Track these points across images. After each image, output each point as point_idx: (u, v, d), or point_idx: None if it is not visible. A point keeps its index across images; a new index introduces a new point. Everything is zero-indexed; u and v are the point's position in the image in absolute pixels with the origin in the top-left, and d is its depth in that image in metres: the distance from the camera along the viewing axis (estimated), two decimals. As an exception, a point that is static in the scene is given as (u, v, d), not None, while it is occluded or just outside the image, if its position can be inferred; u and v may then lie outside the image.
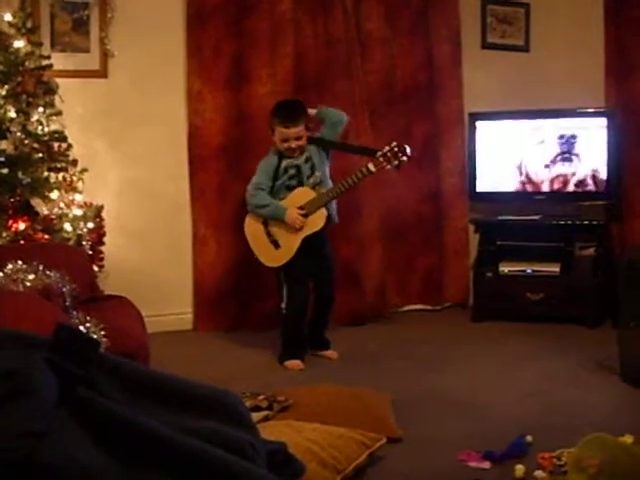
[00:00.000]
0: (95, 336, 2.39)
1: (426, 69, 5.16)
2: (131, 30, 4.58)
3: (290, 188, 3.99)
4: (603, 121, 4.72)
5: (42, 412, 1.35)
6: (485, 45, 5.23)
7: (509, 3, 5.19)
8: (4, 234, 3.75)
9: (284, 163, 3.98)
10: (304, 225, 3.92)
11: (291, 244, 3.95)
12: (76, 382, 1.43)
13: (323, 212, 3.94)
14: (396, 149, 3.84)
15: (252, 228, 4.05)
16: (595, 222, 4.69)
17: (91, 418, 1.39)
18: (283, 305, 4.04)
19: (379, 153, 3.86)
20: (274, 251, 3.99)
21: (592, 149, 4.75)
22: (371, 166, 3.88)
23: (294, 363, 3.99)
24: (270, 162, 4.01)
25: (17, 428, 1.32)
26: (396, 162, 3.85)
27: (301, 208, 3.93)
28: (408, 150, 3.86)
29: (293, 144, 3.93)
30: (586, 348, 4.11)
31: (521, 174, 4.94)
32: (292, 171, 3.98)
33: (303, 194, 3.95)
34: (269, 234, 4.00)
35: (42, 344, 1.48)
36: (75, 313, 2.55)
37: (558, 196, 4.86)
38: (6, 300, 2.39)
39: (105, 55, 4.54)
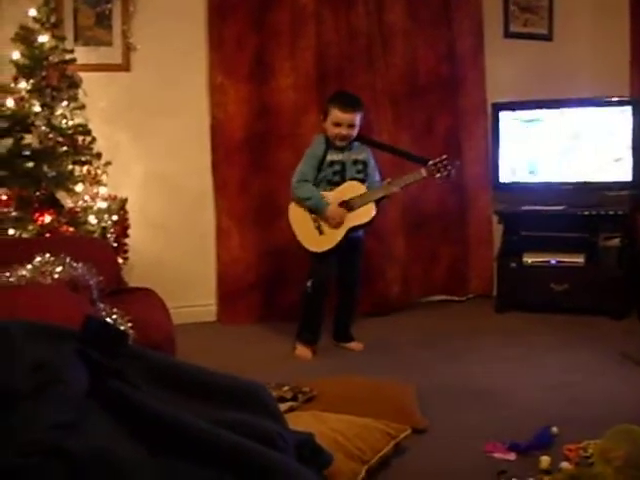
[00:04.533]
0: (122, 328, 2.41)
1: (448, 60, 5.14)
2: (153, 23, 4.60)
3: (332, 183, 4.00)
4: (628, 110, 4.67)
5: (72, 403, 1.37)
6: (508, 34, 5.20)
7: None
8: (30, 227, 3.79)
9: (330, 157, 4.00)
10: (345, 220, 3.94)
11: (335, 233, 3.97)
12: (106, 374, 1.44)
13: (371, 207, 3.96)
14: (445, 161, 4.00)
15: (297, 214, 4.05)
16: (620, 212, 4.65)
17: (121, 409, 1.40)
18: (309, 283, 4.05)
19: (431, 162, 3.99)
20: (318, 236, 4.01)
21: (617, 138, 4.71)
22: (423, 172, 4.00)
23: (304, 351, 4.02)
24: (316, 153, 4.01)
25: (48, 419, 1.34)
26: (445, 173, 4.00)
27: (348, 201, 3.95)
28: (457, 164, 4.09)
29: (344, 130, 3.94)
30: (611, 339, 4.08)
31: (545, 164, 4.90)
32: (337, 167, 4.00)
33: (353, 188, 3.98)
34: (315, 220, 4.02)
35: (71, 336, 1.49)
36: (102, 305, 2.57)
37: (582, 186, 4.82)
38: (35, 292, 2.41)
39: (127, 48, 4.56)
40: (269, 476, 1.39)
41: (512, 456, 2.64)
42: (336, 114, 3.94)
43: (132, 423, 1.38)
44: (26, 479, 1.27)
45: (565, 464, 2.53)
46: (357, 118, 3.96)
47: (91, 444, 1.30)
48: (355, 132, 3.99)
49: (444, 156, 4.02)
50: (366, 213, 3.96)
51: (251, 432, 1.46)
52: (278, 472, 1.39)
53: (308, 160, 4.02)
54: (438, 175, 3.99)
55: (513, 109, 4.96)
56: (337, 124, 3.94)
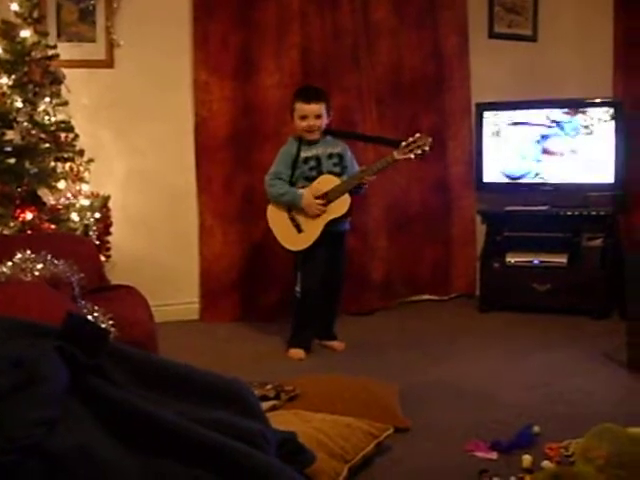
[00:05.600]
0: (103, 325, 2.40)
1: (433, 60, 5.14)
2: (137, 20, 4.58)
3: (309, 179, 3.99)
4: (611, 112, 4.69)
5: (53, 400, 1.35)
6: (492, 34, 5.21)
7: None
8: (11, 224, 3.76)
9: (303, 153, 4.00)
10: (323, 212, 3.94)
11: (313, 228, 3.97)
12: (86, 371, 1.43)
13: (347, 198, 3.95)
14: (420, 140, 3.91)
15: (275, 214, 4.06)
16: (603, 213, 4.68)
17: (102, 407, 1.39)
18: (297, 289, 4.03)
19: (403, 143, 3.92)
20: (296, 235, 4.01)
21: (600, 140, 4.73)
22: (395, 154, 3.93)
23: (296, 352, 4.01)
24: (289, 151, 4.02)
25: (27, 417, 1.32)
26: (419, 151, 3.91)
27: (325, 195, 3.94)
28: (430, 140, 3.93)
29: (311, 121, 3.95)
30: (593, 339, 4.10)
31: (528, 165, 4.92)
32: (312, 162, 4.00)
33: (327, 181, 3.97)
34: (293, 219, 4.01)
35: (52, 333, 1.48)
36: (83, 302, 2.55)
37: (565, 187, 4.84)
38: (15, 289, 2.39)
39: (111, 45, 4.54)
40: (251, 476, 1.38)
41: (494, 455, 2.64)
42: (301, 107, 3.96)
43: (112, 421, 1.37)
44: (4, 477, 1.26)
45: (546, 463, 2.54)
46: (322, 108, 3.97)
47: (71, 442, 1.29)
48: (323, 123, 3.99)
49: (417, 135, 3.93)
50: (342, 205, 3.95)
51: (233, 431, 1.45)
52: (261, 471, 1.38)
53: (281, 158, 4.04)
54: (412, 155, 3.92)
55: (497, 109, 4.97)
56: (303, 117, 3.96)
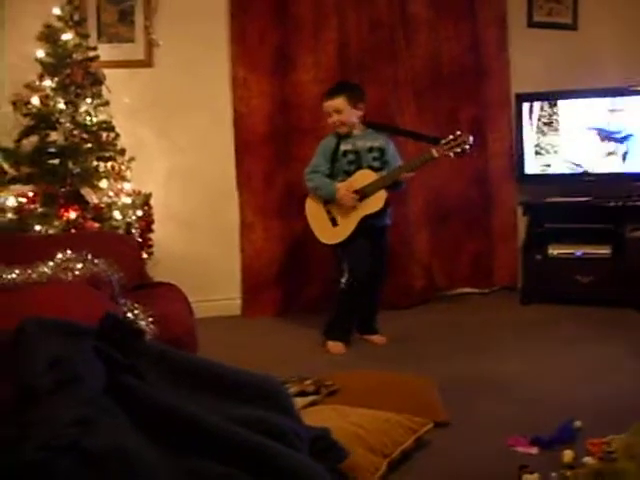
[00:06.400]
0: (143, 323, 2.44)
1: (472, 51, 5.10)
2: (175, 19, 4.63)
3: (349, 173, 4.00)
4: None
5: (89, 399, 1.38)
6: (531, 24, 5.14)
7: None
8: (56, 223, 3.83)
9: (343, 146, 4.01)
10: (359, 206, 3.93)
11: (348, 223, 3.97)
12: (121, 370, 1.46)
13: (382, 194, 3.94)
14: (460, 138, 3.86)
15: (312, 208, 4.09)
16: (646, 203, 4.60)
17: (136, 406, 1.41)
18: (343, 280, 4.01)
19: (443, 141, 3.88)
20: (332, 229, 4.02)
21: (642, 128, 4.65)
22: (434, 152, 3.89)
23: (337, 346, 3.99)
24: (328, 144, 4.04)
25: (65, 416, 1.35)
26: (459, 150, 3.87)
27: (361, 190, 3.93)
28: (471, 139, 3.88)
29: (334, 117, 3.97)
30: (637, 332, 4.04)
31: (570, 155, 4.86)
32: (351, 156, 4.01)
33: (364, 176, 3.97)
34: (329, 212, 4.03)
35: (89, 333, 1.51)
36: (123, 301, 2.60)
37: (608, 177, 4.77)
38: (56, 290, 2.44)
39: (150, 45, 4.60)
40: (282, 473, 1.40)
41: (534, 450, 2.62)
42: (323, 104, 4.03)
43: (146, 420, 1.39)
44: (43, 475, 1.30)
45: (588, 459, 2.49)
46: (341, 103, 3.96)
47: (107, 441, 1.32)
48: (346, 117, 3.97)
49: (458, 132, 3.89)
50: (377, 201, 3.95)
51: (266, 429, 1.46)
52: (292, 470, 1.40)
53: (320, 152, 4.06)
54: (451, 153, 3.87)
55: (538, 99, 4.91)
56: (328, 114, 3.99)
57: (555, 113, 4.88)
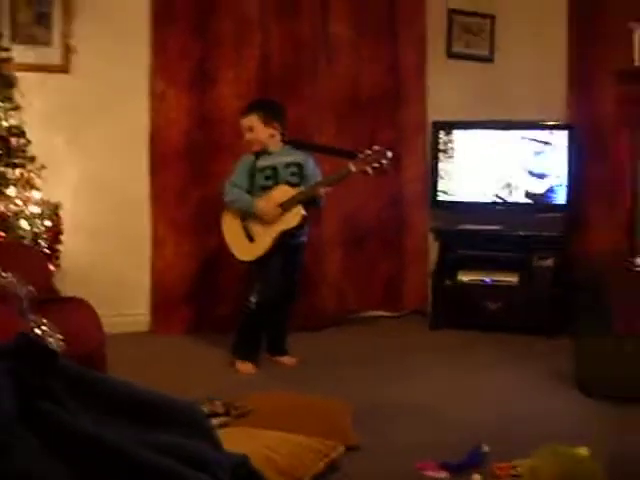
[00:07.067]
0: (51, 339, 2.34)
1: (391, 75, 5.17)
2: (95, 26, 4.52)
3: (266, 189, 3.97)
4: (564, 134, 4.76)
5: (-2, 424, 1.30)
6: (450, 54, 5.25)
7: (474, 14, 5.21)
8: (-42, 230, 3.67)
9: (260, 162, 3.98)
10: (276, 221, 3.90)
11: (265, 238, 3.94)
12: (34, 393, 1.38)
13: (299, 211, 3.92)
14: (377, 153, 3.84)
15: (228, 223, 4.05)
16: (554, 233, 4.73)
17: (50, 430, 1.34)
18: (252, 299, 3.97)
19: (360, 155, 3.85)
20: (248, 244, 3.98)
21: (553, 161, 4.80)
22: (352, 167, 3.86)
23: (247, 367, 3.96)
24: (247, 160, 4.02)
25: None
26: (376, 165, 3.84)
27: (280, 205, 3.91)
28: (389, 154, 3.86)
29: (246, 136, 3.97)
30: (544, 358, 4.13)
31: (482, 184, 4.97)
32: (268, 172, 3.98)
33: (282, 192, 3.95)
34: (245, 229, 3.99)
35: (2, 352, 1.42)
36: (31, 316, 2.49)
37: (518, 207, 4.90)
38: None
39: (67, 50, 4.47)
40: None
41: (444, 474, 2.65)
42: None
43: (60, 445, 1.32)
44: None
45: (495, 483, 2.55)
46: (253, 120, 3.97)
47: (17, 466, 1.24)
48: (259, 135, 3.98)
49: (375, 147, 3.86)
50: (294, 216, 3.93)
51: (185, 455, 1.41)
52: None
53: (239, 168, 4.04)
54: (369, 169, 3.83)
55: (453, 128, 5.01)
56: (243, 132, 4.01)
57: (470, 142, 4.98)
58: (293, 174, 4.01)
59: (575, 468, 2.47)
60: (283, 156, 4.03)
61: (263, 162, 3.99)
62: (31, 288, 2.60)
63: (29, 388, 1.37)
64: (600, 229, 4.78)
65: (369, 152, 3.86)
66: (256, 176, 3.99)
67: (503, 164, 4.91)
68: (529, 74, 5.05)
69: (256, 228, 3.97)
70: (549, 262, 4.71)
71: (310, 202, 3.96)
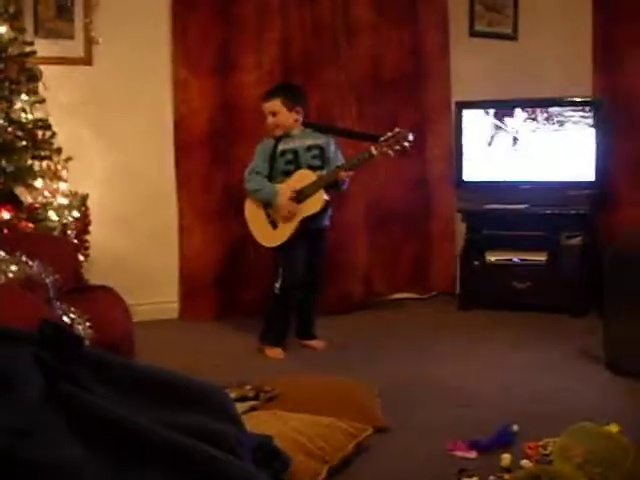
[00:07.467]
0: (79, 327, 2.37)
1: (413, 56, 5.13)
2: (116, 17, 4.54)
3: (287, 173, 3.96)
4: (590, 110, 4.70)
5: (24, 408, 1.33)
6: (473, 33, 5.20)
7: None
8: (-12, 223, 3.72)
9: (281, 146, 3.97)
10: (294, 214, 3.90)
11: (288, 225, 3.94)
12: (60, 378, 1.41)
13: (321, 195, 3.90)
14: (399, 135, 3.82)
15: (251, 210, 4.05)
16: (582, 211, 4.68)
17: (75, 414, 1.36)
18: (277, 285, 3.99)
19: (382, 139, 3.83)
20: (272, 231, 3.99)
21: (579, 138, 4.74)
22: (373, 150, 3.84)
23: (275, 352, 3.97)
24: (266, 146, 4.01)
25: (-2, 424, 1.30)
26: (398, 147, 3.82)
27: (300, 191, 3.90)
28: (410, 136, 3.84)
29: (268, 119, 3.96)
30: (572, 337, 4.11)
31: (508, 163, 4.93)
32: (289, 156, 3.96)
33: (303, 176, 3.93)
34: (268, 215, 3.99)
35: (24, 339, 1.45)
36: (58, 304, 2.52)
37: (545, 185, 4.85)
38: (-12, 292, 2.36)
39: (90, 42, 4.49)
40: (224, 481, 1.37)
41: (473, 454, 2.64)
42: (262, 107, 4.01)
43: (86, 428, 1.35)
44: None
45: (525, 462, 2.54)
46: (275, 105, 3.95)
47: (42, 450, 1.27)
48: (281, 119, 3.96)
49: (396, 129, 3.84)
50: (316, 202, 3.91)
51: (208, 436, 1.43)
52: (233, 477, 1.37)
53: (258, 154, 4.02)
54: (391, 151, 3.82)
55: (477, 108, 4.97)
56: (266, 116, 3.99)
57: (495, 121, 4.94)
58: (314, 157, 3.99)
59: (606, 445, 2.45)
60: (304, 139, 4.01)
61: (284, 146, 3.98)
62: (57, 277, 2.64)
63: (54, 373, 1.40)
64: (628, 206, 4.73)
65: (390, 134, 3.84)
66: (277, 160, 3.98)
67: (529, 142, 4.87)
68: (554, 51, 4.99)
69: (279, 215, 3.97)
70: (577, 240, 4.67)
71: (332, 186, 3.95)
